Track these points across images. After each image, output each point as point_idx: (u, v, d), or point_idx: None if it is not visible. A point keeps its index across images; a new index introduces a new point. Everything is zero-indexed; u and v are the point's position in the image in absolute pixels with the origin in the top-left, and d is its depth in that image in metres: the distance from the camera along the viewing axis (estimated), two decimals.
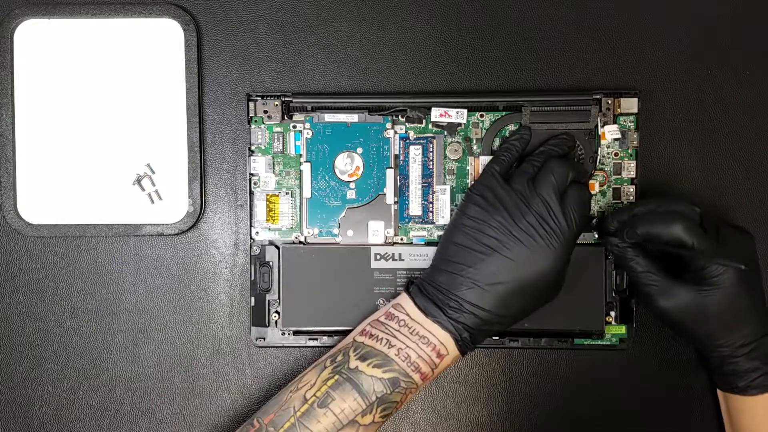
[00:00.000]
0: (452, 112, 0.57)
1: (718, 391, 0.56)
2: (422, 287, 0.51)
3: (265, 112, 0.57)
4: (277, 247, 0.57)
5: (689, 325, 0.52)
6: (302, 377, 0.51)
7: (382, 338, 0.50)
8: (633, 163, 0.57)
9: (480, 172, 0.56)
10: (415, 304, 0.50)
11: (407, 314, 0.50)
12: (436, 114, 0.57)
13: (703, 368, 0.58)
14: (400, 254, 0.57)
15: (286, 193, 0.58)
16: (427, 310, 0.50)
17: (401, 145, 0.57)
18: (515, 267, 0.49)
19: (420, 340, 0.49)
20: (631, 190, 0.57)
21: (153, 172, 0.58)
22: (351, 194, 0.57)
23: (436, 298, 0.50)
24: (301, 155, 0.57)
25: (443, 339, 0.49)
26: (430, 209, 0.57)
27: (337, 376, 0.49)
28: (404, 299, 0.51)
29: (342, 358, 0.50)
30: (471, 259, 0.50)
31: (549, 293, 0.51)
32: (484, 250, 0.50)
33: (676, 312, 0.52)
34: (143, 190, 0.58)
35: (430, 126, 0.57)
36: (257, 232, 0.58)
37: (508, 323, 0.51)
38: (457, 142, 0.57)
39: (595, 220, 0.57)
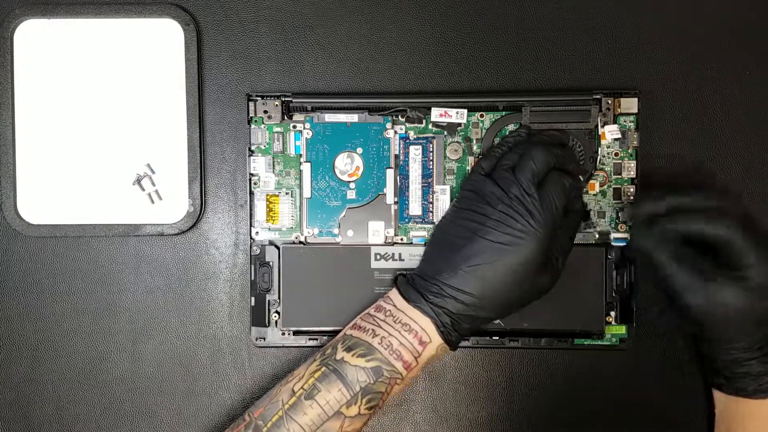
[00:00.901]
0: (452, 112, 0.57)
1: (717, 395, 0.55)
2: (409, 278, 0.52)
3: (265, 112, 0.57)
4: (277, 247, 0.57)
5: (713, 324, 0.51)
6: (293, 371, 0.51)
7: (368, 329, 0.50)
8: (633, 163, 0.57)
9: None
10: (400, 293, 0.51)
11: (393, 304, 0.51)
12: (436, 114, 0.57)
13: (705, 371, 0.56)
14: (400, 254, 0.57)
15: (286, 193, 0.58)
16: (410, 297, 0.50)
17: (401, 145, 0.57)
18: (494, 249, 0.49)
19: (402, 328, 0.49)
20: (632, 190, 0.57)
21: (153, 172, 0.58)
22: (351, 194, 0.57)
23: (419, 285, 0.51)
24: (301, 155, 0.57)
25: (424, 325, 0.49)
26: (430, 209, 0.57)
27: (324, 368, 0.49)
28: (392, 291, 0.52)
29: (330, 351, 0.50)
30: (453, 245, 0.51)
31: (536, 280, 0.50)
32: (465, 235, 0.50)
33: (703, 310, 0.50)
34: (143, 190, 0.58)
35: (430, 126, 0.57)
36: (257, 232, 0.58)
37: (494, 310, 0.50)
38: (457, 142, 0.57)
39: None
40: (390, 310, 0.51)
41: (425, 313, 0.49)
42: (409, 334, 0.49)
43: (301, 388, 0.49)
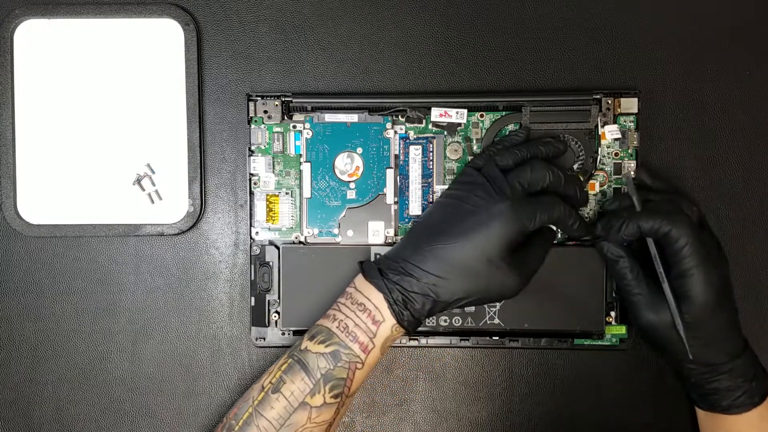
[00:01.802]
0: (452, 112, 0.57)
1: (697, 411, 0.55)
2: (377, 260, 0.52)
3: (265, 112, 0.57)
4: (277, 247, 0.57)
5: (671, 339, 0.51)
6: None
7: (330, 315, 0.50)
8: (633, 163, 0.57)
9: None
10: (363, 273, 0.51)
11: (354, 286, 0.51)
12: (436, 114, 0.57)
13: (682, 387, 0.56)
14: None
15: (286, 193, 0.58)
16: (369, 274, 0.50)
17: (401, 145, 0.57)
18: (459, 230, 0.49)
19: (358, 308, 0.50)
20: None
21: (153, 172, 0.58)
22: (351, 194, 0.57)
23: (382, 264, 0.51)
24: (301, 155, 0.57)
25: (378, 303, 0.49)
26: None
27: (289, 360, 0.50)
28: (358, 275, 0.52)
29: (298, 342, 0.51)
30: (424, 230, 0.51)
31: (499, 275, 0.49)
32: (436, 220, 0.51)
33: (659, 326, 0.51)
34: (143, 190, 0.58)
35: (430, 126, 0.57)
36: (257, 232, 0.58)
37: (449, 293, 0.49)
38: (457, 142, 0.57)
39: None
40: (351, 293, 0.51)
41: (379, 288, 0.49)
42: (364, 313, 0.49)
43: (270, 382, 0.49)
